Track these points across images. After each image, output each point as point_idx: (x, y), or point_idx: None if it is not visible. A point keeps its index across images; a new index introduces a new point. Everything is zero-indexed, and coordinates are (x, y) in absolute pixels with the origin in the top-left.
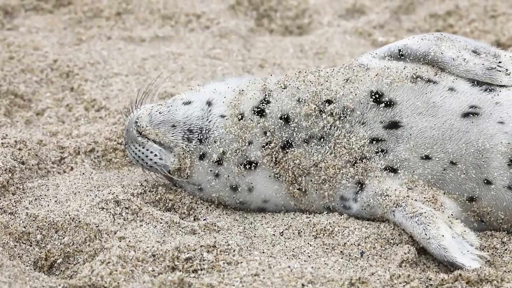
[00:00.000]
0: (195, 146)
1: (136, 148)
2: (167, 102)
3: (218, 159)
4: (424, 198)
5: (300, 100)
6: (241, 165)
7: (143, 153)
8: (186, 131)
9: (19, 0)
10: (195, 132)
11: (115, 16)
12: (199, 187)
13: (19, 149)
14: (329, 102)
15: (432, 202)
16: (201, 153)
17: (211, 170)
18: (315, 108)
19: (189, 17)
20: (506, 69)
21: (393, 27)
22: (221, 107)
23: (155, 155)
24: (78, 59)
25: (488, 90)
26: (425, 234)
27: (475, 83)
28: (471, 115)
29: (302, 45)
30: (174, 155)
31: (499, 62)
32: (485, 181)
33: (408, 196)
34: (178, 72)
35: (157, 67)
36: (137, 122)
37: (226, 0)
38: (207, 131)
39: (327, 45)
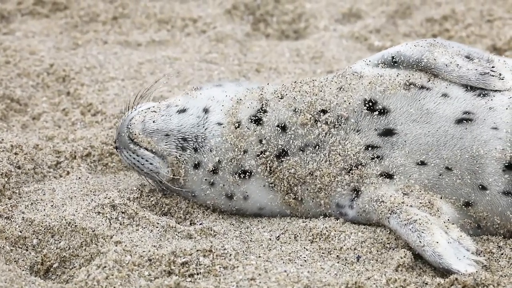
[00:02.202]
0: (189, 155)
1: (130, 155)
2: (161, 108)
3: (213, 168)
4: (420, 203)
5: (296, 110)
6: (235, 174)
7: (138, 160)
8: (180, 140)
9: (15, 4)
10: (190, 141)
11: (112, 21)
12: (193, 194)
13: (15, 154)
14: (323, 111)
15: (428, 208)
16: (196, 162)
17: (206, 179)
18: (310, 117)
19: (186, 22)
20: (500, 74)
21: (390, 32)
22: (219, 115)
23: (150, 163)
24: (74, 63)
25: (481, 95)
26: (420, 241)
27: (469, 88)
28: (465, 121)
29: (299, 49)
30: (168, 164)
31: (492, 67)
32: (480, 186)
33: (403, 203)
34: (174, 77)
35: (154, 72)
36: (129, 127)
37: (222, 5)
38: (203, 140)
39: (324, 49)
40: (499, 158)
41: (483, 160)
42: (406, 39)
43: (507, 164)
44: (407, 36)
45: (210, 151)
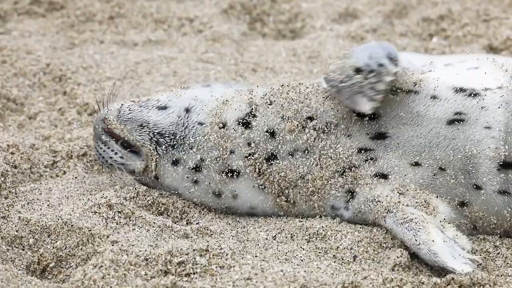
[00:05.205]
0: (165, 151)
1: (98, 146)
2: (141, 100)
3: (195, 166)
4: (416, 202)
5: (284, 117)
6: (222, 173)
7: (104, 151)
8: (155, 133)
9: (11, 4)
10: (166, 137)
11: (108, 20)
12: (176, 192)
13: (12, 153)
14: (310, 118)
15: (425, 207)
16: (174, 159)
17: (187, 177)
18: (298, 124)
19: (182, 21)
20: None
21: (386, 31)
22: (200, 115)
23: (116, 153)
24: (70, 63)
25: (472, 95)
26: (415, 240)
27: (458, 89)
28: (457, 122)
29: (295, 49)
30: (142, 156)
31: (372, 82)
32: (475, 186)
33: (399, 202)
34: (171, 76)
35: (150, 71)
36: (105, 118)
37: (219, 4)
38: (181, 138)
39: (320, 49)
40: (493, 157)
41: (476, 160)
42: (403, 39)
43: (501, 163)
44: (403, 36)
45: (191, 148)
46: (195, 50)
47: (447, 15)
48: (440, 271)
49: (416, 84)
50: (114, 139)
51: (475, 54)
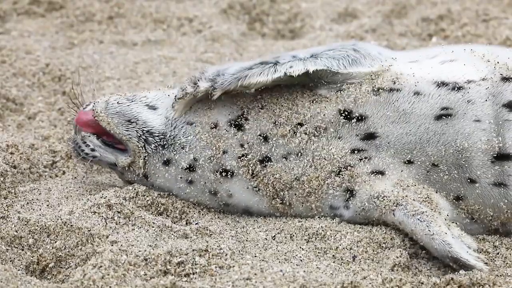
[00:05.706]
0: (155, 150)
1: (74, 141)
2: (127, 95)
3: (189, 166)
4: (420, 198)
5: (276, 122)
6: (216, 172)
7: (77, 143)
8: (145, 131)
9: (11, 4)
10: (156, 136)
11: (107, 20)
12: (172, 193)
13: (11, 153)
14: (300, 124)
15: (428, 203)
16: (165, 159)
17: (181, 177)
18: (289, 129)
19: (181, 21)
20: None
21: (385, 31)
22: (188, 115)
23: (87, 145)
24: (70, 63)
25: (456, 89)
26: (429, 230)
27: (440, 83)
28: (444, 117)
29: (295, 49)
30: (129, 152)
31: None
32: (469, 180)
33: (406, 196)
34: (170, 76)
35: (149, 71)
36: (92, 111)
37: (218, 4)
38: (171, 138)
39: None
40: (485, 150)
41: (468, 154)
42: (402, 39)
43: (495, 155)
44: (403, 36)
45: (182, 148)
46: (194, 50)
47: (446, 15)
48: (451, 263)
49: (395, 82)
50: (95, 134)
51: (449, 47)
